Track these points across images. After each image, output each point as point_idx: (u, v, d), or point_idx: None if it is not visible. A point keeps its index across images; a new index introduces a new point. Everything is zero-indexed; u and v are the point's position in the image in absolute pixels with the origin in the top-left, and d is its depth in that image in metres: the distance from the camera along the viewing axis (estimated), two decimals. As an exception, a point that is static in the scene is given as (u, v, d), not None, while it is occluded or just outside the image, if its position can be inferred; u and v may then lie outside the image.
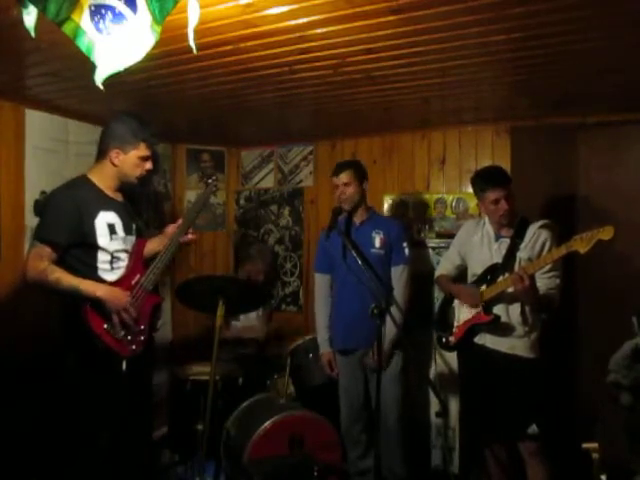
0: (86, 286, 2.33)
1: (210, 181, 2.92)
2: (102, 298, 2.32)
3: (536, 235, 2.78)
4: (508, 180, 2.82)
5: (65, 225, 2.36)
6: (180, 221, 2.71)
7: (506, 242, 2.84)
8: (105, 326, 2.34)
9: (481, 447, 3.03)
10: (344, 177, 3.17)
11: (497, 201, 2.78)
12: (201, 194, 2.93)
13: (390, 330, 2.87)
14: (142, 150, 2.50)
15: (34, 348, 3.09)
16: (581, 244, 2.41)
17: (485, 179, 2.86)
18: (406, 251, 3.22)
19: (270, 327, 4.06)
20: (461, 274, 3.11)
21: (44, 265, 2.30)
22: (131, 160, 2.49)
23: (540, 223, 2.81)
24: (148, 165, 2.54)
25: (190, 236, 2.70)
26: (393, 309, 3.07)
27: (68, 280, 2.31)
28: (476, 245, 2.96)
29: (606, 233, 2.36)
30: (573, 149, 3.71)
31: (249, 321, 4.01)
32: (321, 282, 3.39)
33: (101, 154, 2.51)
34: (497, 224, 2.87)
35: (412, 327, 3.16)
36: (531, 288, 2.58)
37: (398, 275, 3.20)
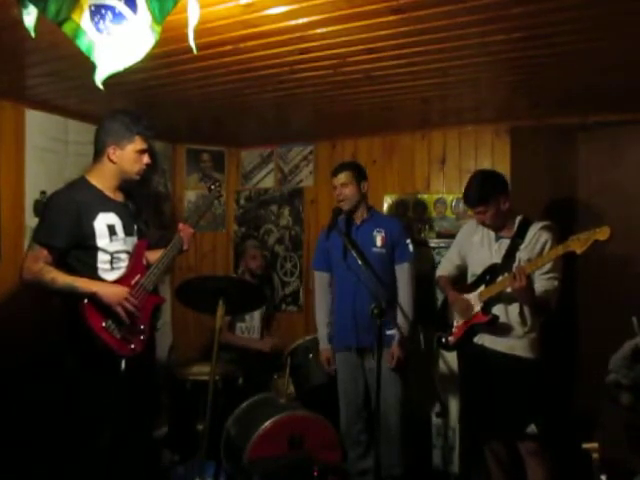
0: (82, 283, 2.33)
1: (213, 187, 2.91)
2: (98, 293, 2.31)
3: (537, 236, 2.78)
4: (481, 199, 2.78)
5: (64, 228, 2.35)
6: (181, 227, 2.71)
7: (506, 242, 2.84)
8: (103, 324, 2.33)
9: (481, 447, 3.04)
10: (342, 178, 3.19)
11: (478, 214, 2.83)
12: (204, 200, 2.91)
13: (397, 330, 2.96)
14: (138, 143, 2.50)
15: (34, 348, 3.09)
16: (578, 244, 2.41)
17: (463, 199, 2.93)
18: (410, 248, 3.24)
19: (277, 341, 4.02)
20: (462, 274, 3.11)
21: (39, 266, 2.30)
22: (128, 155, 2.48)
23: (541, 224, 2.80)
24: (146, 159, 2.54)
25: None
26: (398, 311, 3.09)
27: (64, 279, 2.31)
28: (476, 245, 2.96)
29: (602, 233, 2.36)
30: (573, 149, 3.71)
31: (253, 322, 4.01)
32: (320, 280, 3.41)
33: (98, 154, 2.50)
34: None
35: (413, 326, 3.16)
36: (527, 287, 2.58)
37: (403, 273, 3.21)
